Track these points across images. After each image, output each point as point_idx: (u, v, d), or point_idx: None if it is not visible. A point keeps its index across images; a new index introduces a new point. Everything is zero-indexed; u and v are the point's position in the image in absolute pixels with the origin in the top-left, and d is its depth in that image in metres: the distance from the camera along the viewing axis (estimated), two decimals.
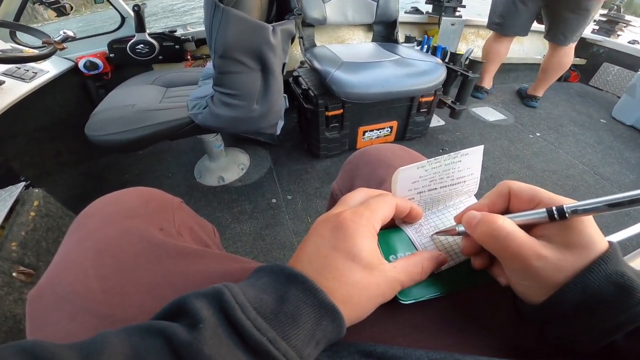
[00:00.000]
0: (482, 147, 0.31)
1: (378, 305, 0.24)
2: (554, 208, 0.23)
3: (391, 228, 0.32)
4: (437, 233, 0.31)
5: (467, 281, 0.29)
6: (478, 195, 0.32)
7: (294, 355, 0.19)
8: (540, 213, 0.24)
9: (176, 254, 0.32)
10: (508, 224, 0.24)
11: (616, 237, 0.99)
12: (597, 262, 0.21)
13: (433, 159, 0.30)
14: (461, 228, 0.28)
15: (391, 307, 0.27)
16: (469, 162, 0.31)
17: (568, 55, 1.97)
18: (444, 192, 0.33)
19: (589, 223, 0.22)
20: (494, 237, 0.24)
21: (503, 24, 1.99)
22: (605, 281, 0.20)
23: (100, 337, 0.18)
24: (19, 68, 1.13)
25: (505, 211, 0.27)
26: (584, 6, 1.74)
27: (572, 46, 1.95)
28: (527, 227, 0.24)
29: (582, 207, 0.22)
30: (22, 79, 1.10)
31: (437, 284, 0.28)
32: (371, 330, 0.27)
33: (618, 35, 2.60)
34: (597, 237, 0.22)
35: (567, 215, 0.22)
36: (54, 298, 0.28)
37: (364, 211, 0.25)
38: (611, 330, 0.20)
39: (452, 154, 0.30)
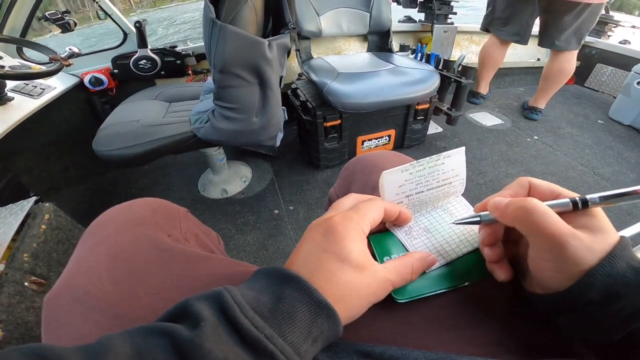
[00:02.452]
0: (463, 148, 0.32)
1: (370, 305, 0.25)
2: (577, 198, 0.24)
3: (385, 232, 0.34)
4: (457, 222, 0.31)
5: (461, 279, 0.30)
6: (474, 198, 0.33)
7: (291, 351, 0.20)
8: (564, 202, 0.25)
9: (183, 259, 0.33)
10: (543, 204, 0.24)
11: (623, 233, 1.00)
12: (618, 248, 0.22)
13: (416, 161, 0.32)
14: (488, 217, 0.28)
15: (388, 306, 0.28)
16: (453, 163, 0.33)
17: (570, 61, 1.87)
18: (431, 194, 0.34)
19: (604, 213, 0.24)
20: (530, 212, 0.24)
21: (507, 30, 1.93)
22: (627, 266, 0.21)
23: (105, 339, 0.19)
24: (27, 84, 1.15)
25: None
26: (584, 9, 1.67)
27: (574, 52, 1.85)
28: None
29: (603, 196, 0.24)
30: (31, 95, 1.13)
31: (431, 282, 0.29)
32: (369, 329, 0.28)
33: (609, 36, 2.62)
34: (611, 227, 0.24)
35: (589, 204, 0.24)
36: (69, 300, 0.30)
37: (353, 215, 0.27)
38: (634, 316, 0.20)
39: (434, 156, 0.32)
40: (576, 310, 0.23)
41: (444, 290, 0.29)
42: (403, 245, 0.32)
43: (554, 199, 0.26)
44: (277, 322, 0.20)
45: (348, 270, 0.24)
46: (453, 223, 0.32)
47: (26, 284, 0.74)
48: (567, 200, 0.25)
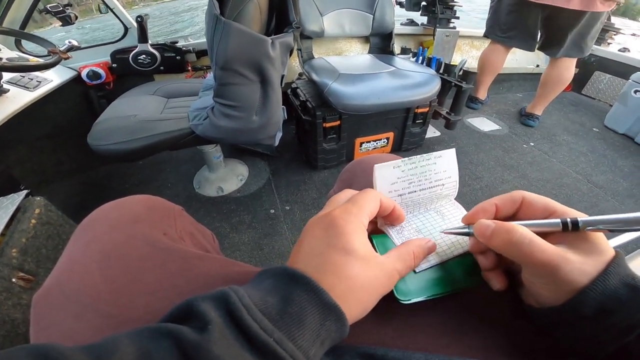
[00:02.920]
0: (453, 149, 0.33)
1: (380, 297, 0.25)
2: (568, 219, 0.24)
3: (381, 233, 0.34)
4: (445, 232, 0.32)
5: (464, 282, 0.30)
6: (470, 202, 0.33)
7: (300, 355, 0.19)
8: (554, 223, 0.25)
9: (179, 258, 0.33)
10: (528, 233, 0.24)
11: (615, 241, 1.01)
12: (612, 265, 0.22)
13: (407, 158, 0.32)
14: (471, 230, 0.29)
15: (390, 311, 0.28)
16: (444, 164, 0.33)
17: (569, 69, 1.89)
18: (423, 194, 0.34)
19: (600, 233, 0.24)
20: (516, 245, 0.24)
21: (510, 36, 1.92)
22: (619, 283, 0.22)
23: (111, 339, 0.18)
24: (24, 77, 1.14)
25: (511, 217, 0.29)
26: (588, 17, 1.67)
27: (573, 60, 1.87)
28: (539, 236, 0.26)
29: (595, 224, 0.23)
30: (26, 88, 1.11)
31: (435, 285, 0.29)
32: (371, 333, 0.28)
33: (608, 44, 2.64)
34: (606, 244, 0.24)
35: (579, 227, 0.24)
36: (60, 298, 0.29)
37: (351, 208, 0.26)
38: (627, 330, 0.21)
39: (426, 155, 0.32)
40: (570, 324, 0.23)
41: (446, 294, 0.29)
42: (396, 245, 0.32)
43: (548, 217, 0.26)
44: (286, 325, 0.20)
45: (354, 263, 0.24)
46: (442, 232, 0.32)
47: (14, 280, 0.72)
48: (558, 221, 0.25)
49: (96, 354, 0.17)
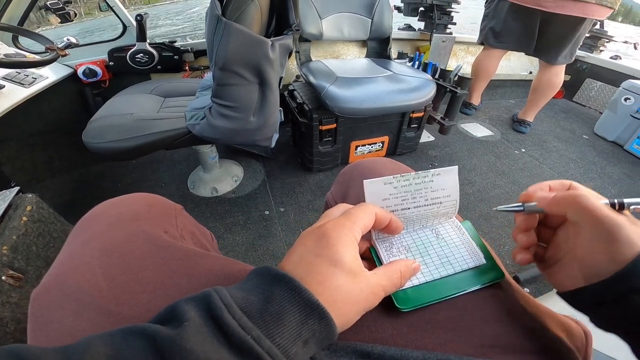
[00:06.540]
0: (456, 167, 0.32)
1: (363, 312, 0.25)
2: (615, 200, 0.25)
3: None
4: (499, 209, 0.32)
5: (458, 288, 0.31)
6: (462, 207, 0.33)
7: (279, 353, 0.19)
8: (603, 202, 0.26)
9: (181, 256, 0.33)
10: (591, 192, 0.26)
11: None
12: None
13: (400, 175, 0.31)
14: (531, 207, 0.30)
15: (388, 308, 0.29)
16: (443, 182, 0.32)
17: (558, 75, 1.93)
18: (418, 212, 0.33)
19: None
20: (582, 199, 0.26)
21: (507, 40, 1.95)
22: None
23: (85, 340, 0.18)
24: (19, 73, 1.13)
25: None
26: (577, 23, 1.70)
27: (562, 66, 1.91)
28: None
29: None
30: (22, 84, 1.11)
31: (433, 292, 0.30)
32: (369, 330, 0.28)
33: (600, 51, 2.66)
34: None
35: (625, 207, 0.25)
36: (60, 296, 0.29)
37: (345, 222, 0.27)
38: None
39: (422, 172, 0.31)
40: (619, 300, 0.23)
41: (444, 299, 0.30)
42: (381, 261, 0.32)
43: None
44: (265, 323, 0.20)
45: (340, 274, 0.24)
46: (495, 209, 0.33)
47: (3, 278, 0.71)
48: (606, 201, 0.26)
49: (67, 355, 0.17)
